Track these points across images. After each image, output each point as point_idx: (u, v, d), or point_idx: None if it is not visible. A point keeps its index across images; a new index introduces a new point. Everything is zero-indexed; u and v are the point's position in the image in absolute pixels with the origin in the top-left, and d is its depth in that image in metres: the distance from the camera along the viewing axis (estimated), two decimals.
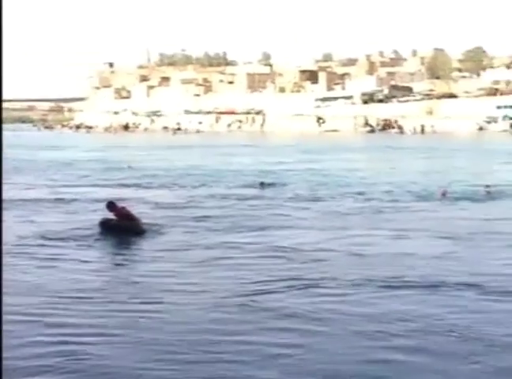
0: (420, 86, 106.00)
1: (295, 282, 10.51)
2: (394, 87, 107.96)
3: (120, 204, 15.30)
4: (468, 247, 13.40)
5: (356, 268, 11.43)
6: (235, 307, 9.21)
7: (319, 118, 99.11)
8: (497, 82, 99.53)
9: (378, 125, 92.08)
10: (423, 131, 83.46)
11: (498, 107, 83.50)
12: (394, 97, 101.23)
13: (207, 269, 11.47)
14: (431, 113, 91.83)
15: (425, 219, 17.03)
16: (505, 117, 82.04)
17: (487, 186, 21.29)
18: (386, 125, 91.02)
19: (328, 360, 7.40)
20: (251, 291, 9.97)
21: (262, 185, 24.08)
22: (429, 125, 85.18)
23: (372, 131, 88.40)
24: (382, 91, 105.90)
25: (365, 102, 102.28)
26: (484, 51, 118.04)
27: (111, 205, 14.94)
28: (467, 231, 15.01)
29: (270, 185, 24.18)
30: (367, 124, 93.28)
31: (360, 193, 22.11)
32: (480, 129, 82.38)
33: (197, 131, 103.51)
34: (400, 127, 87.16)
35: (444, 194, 20.64)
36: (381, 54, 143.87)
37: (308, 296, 9.78)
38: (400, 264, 11.83)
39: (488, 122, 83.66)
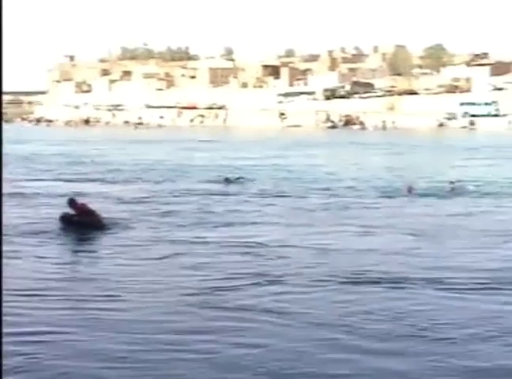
0: (382, 82, 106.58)
1: (258, 278, 10.43)
2: (356, 83, 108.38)
3: (80, 201, 15.10)
4: (432, 243, 13.35)
5: (321, 264, 11.38)
6: (197, 304, 9.07)
7: (281, 114, 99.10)
8: (457, 79, 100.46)
9: (340, 120, 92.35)
10: (384, 127, 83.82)
11: (462, 104, 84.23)
12: (356, 93, 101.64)
13: (169, 265, 11.31)
14: (392, 109, 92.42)
15: (391, 215, 16.94)
16: (465, 114, 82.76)
17: (452, 182, 21.26)
18: (348, 121, 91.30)
19: (291, 357, 7.33)
20: (214, 288, 9.85)
21: (227, 180, 23.79)
22: (390, 121, 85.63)
23: (334, 127, 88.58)
24: (343, 87, 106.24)
25: (327, 98, 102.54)
26: (444, 49, 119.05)
27: (72, 202, 14.78)
28: (432, 227, 14.98)
29: (235, 180, 23.92)
30: (328, 120, 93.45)
31: (325, 189, 21.95)
32: (440, 125, 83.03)
33: (159, 126, 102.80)
34: (361, 123, 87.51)
35: (410, 190, 20.54)
36: (343, 50, 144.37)
37: (271, 292, 9.71)
38: (364, 259, 11.81)
39: (448, 119, 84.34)
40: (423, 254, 12.27)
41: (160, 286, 9.98)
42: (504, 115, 79.61)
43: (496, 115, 79.94)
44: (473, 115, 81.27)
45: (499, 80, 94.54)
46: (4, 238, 12.67)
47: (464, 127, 78.09)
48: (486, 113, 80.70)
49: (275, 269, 11.00)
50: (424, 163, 32.46)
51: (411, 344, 7.74)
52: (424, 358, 7.31)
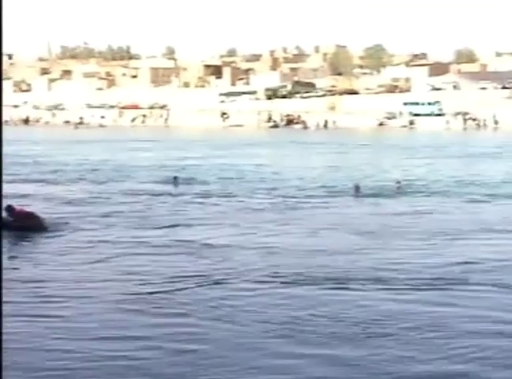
0: (323, 82, 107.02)
1: (201, 278, 10.35)
2: (297, 83, 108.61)
3: (18, 207, 14.78)
4: (378, 243, 13.40)
5: (265, 264, 11.34)
6: (135, 308, 8.94)
7: (223, 113, 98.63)
8: (396, 79, 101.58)
9: (281, 120, 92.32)
10: (326, 126, 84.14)
11: (405, 104, 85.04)
12: (297, 93, 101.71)
13: (110, 268, 11.11)
14: (333, 108, 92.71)
15: (338, 214, 16.97)
16: (410, 113, 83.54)
17: (398, 182, 21.31)
18: (290, 121, 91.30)
19: (230, 361, 7.27)
20: (155, 291, 9.71)
21: (176, 179, 23.40)
22: (332, 120, 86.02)
23: (276, 126, 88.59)
24: (285, 86, 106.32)
25: (269, 97, 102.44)
26: (384, 49, 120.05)
27: (9, 209, 14.45)
28: (378, 227, 15.04)
29: (181, 180, 23.59)
30: (270, 119, 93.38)
31: (272, 189, 21.85)
32: (381, 124, 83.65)
33: (100, 125, 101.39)
34: (303, 122, 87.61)
35: (357, 190, 20.55)
36: (284, 50, 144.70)
37: (214, 294, 9.65)
38: (309, 260, 11.79)
39: (388, 118, 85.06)
40: (369, 254, 12.31)
41: (99, 289, 9.80)
42: (443, 115, 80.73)
43: (439, 115, 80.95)
44: (417, 114, 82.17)
45: (438, 81, 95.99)
46: None
47: (404, 126, 78.90)
48: (429, 112, 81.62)
49: (219, 271, 10.91)
50: (369, 163, 32.64)
51: (354, 342, 7.75)
52: (368, 355, 7.35)
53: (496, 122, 75.72)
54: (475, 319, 8.66)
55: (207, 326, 8.33)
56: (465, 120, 78.08)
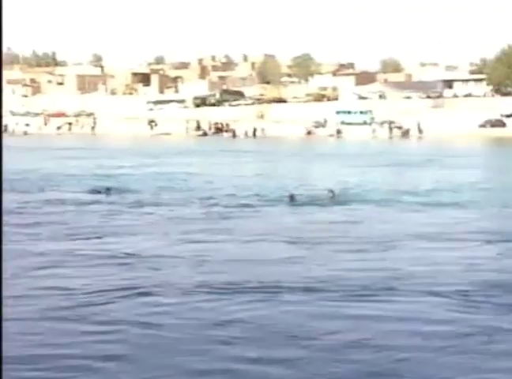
0: (251, 90, 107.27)
1: (129, 291, 10.17)
2: (226, 91, 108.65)
3: None
4: (311, 252, 13.40)
5: (196, 275, 11.22)
6: (61, 319, 8.75)
7: (151, 121, 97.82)
8: (324, 88, 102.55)
9: (210, 128, 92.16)
10: (254, 135, 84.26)
11: (338, 112, 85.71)
12: (226, 101, 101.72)
13: (34, 280, 10.80)
14: (261, 117, 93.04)
15: (271, 223, 16.88)
16: (342, 122, 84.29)
17: (331, 191, 21.32)
18: (219, 129, 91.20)
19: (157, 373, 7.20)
20: (81, 302, 9.51)
21: (108, 189, 22.89)
22: (260, 128, 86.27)
23: (205, 134, 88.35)
24: (214, 95, 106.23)
25: (197, 105, 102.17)
26: (312, 58, 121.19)
27: None
28: (312, 235, 15.03)
29: (113, 189, 23.06)
30: (199, 128, 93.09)
31: (205, 198, 21.62)
32: (309, 133, 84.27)
33: (25, 133, 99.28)
34: (232, 131, 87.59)
35: (292, 199, 20.47)
36: (213, 58, 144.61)
37: (141, 305, 9.53)
38: (240, 269, 11.73)
39: (316, 127, 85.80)
40: (301, 263, 12.28)
41: (22, 301, 9.54)
42: (369, 124, 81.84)
43: (371, 123, 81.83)
44: (349, 123, 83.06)
45: (364, 90, 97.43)
46: None
47: (332, 135, 79.65)
48: (362, 121, 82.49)
49: (147, 281, 10.75)
50: (300, 171, 32.79)
51: (285, 352, 7.75)
52: (298, 367, 7.36)
53: (421, 131, 76.97)
54: (401, 330, 8.67)
55: (132, 334, 8.26)
56: (391, 129, 79.11)
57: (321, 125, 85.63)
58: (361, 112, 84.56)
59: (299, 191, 22.59)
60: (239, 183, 26.14)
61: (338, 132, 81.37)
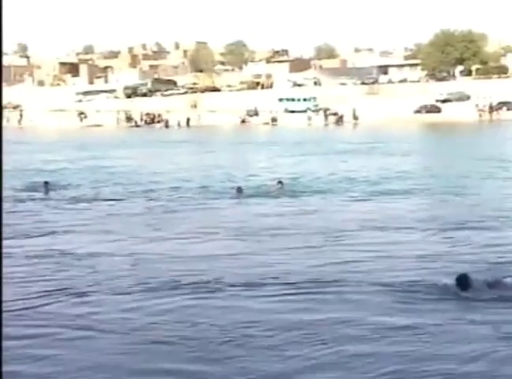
0: (184, 79, 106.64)
1: (65, 291, 10.04)
2: (158, 80, 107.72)
3: None
4: (257, 245, 13.35)
5: (133, 273, 11.09)
6: None
7: (81, 113, 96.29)
8: (258, 76, 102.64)
9: (142, 119, 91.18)
10: (188, 124, 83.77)
11: (280, 100, 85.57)
12: (158, 91, 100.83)
13: None
14: (195, 106, 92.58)
15: (217, 217, 16.71)
16: (285, 110, 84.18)
17: (279, 182, 21.12)
18: (151, 120, 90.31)
19: (92, 361, 7.34)
20: (11, 305, 9.14)
21: (46, 184, 22.18)
22: (194, 118, 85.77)
23: (137, 126, 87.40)
24: (145, 84, 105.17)
25: (128, 96, 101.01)
26: (245, 45, 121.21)
27: None
28: (259, 228, 14.92)
29: (51, 185, 22.38)
30: (130, 118, 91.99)
31: (146, 192, 21.26)
32: (243, 121, 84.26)
33: None
34: (165, 121, 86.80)
35: (239, 191, 20.23)
36: (143, 46, 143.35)
37: (74, 305, 9.45)
38: (182, 266, 11.60)
39: (250, 115, 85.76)
40: (246, 258, 12.21)
41: None
42: (315, 111, 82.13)
43: (316, 110, 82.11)
44: (292, 111, 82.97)
45: (299, 77, 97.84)
46: None
47: (267, 123, 79.69)
48: (305, 109, 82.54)
49: (84, 281, 10.59)
50: (242, 161, 32.54)
51: (222, 351, 7.75)
52: (234, 365, 7.39)
53: (356, 118, 77.64)
54: (349, 322, 8.68)
55: (69, 335, 8.20)
56: (326, 116, 79.55)
57: (254, 113, 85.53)
58: (304, 99, 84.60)
59: (245, 182, 22.43)
60: (180, 175, 25.80)
61: (273, 120, 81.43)
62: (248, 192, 20.42)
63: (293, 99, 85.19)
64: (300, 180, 23.35)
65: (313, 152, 36.28)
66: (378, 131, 56.81)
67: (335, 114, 79.78)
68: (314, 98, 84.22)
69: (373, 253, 12.32)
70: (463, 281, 9.69)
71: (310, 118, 78.94)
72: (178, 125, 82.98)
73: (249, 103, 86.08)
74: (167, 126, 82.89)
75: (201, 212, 17.51)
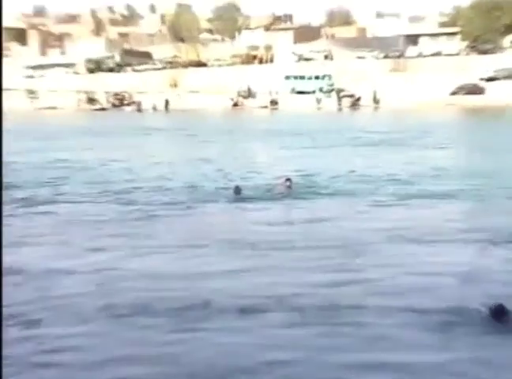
0: (161, 51, 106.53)
1: (11, 320, 10.04)
2: (128, 52, 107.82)
3: None
4: (260, 261, 13.40)
5: (100, 296, 11.25)
6: None
7: (31, 92, 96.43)
8: (254, 47, 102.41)
9: (108, 101, 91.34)
10: (167, 108, 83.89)
11: (287, 78, 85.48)
12: (129, 65, 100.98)
13: None
14: (175, 85, 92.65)
15: (208, 225, 16.90)
16: (292, 90, 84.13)
17: (288, 180, 21.11)
18: (119, 102, 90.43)
19: None
20: None
21: None
22: (174, 100, 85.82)
23: (102, 109, 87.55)
24: (112, 57, 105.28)
25: (91, 71, 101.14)
26: (238, 9, 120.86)
27: None
28: (260, 241, 14.92)
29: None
30: (93, 100, 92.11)
31: (118, 193, 21.41)
32: (235, 105, 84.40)
33: None
34: (137, 104, 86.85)
35: (237, 192, 20.34)
36: (110, 9, 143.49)
37: (27, 339, 9.63)
38: (160, 286, 11.76)
39: (244, 97, 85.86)
40: (243, 277, 12.30)
41: None
42: (329, 92, 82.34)
43: (328, 92, 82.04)
44: (301, 92, 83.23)
45: (305, 49, 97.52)
46: None
47: (265, 107, 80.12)
48: (317, 88, 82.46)
49: (31, 307, 10.82)
50: (239, 155, 32.66)
51: None
52: None
53: (377, 101, 78.33)
54: (373, 366, 8.78)
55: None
56: (340, 98, 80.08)
57: (249, 94, 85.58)
58: (317, 77, 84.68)
59: (243, 182, 22.51)
60: (160, 172, 25.95)
61: (273, 103, 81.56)
62: (247, 193, 20.46)
63: (303, 78, 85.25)
64: (311, 179, 23.39)
65: (325, 144, 36.30)
66: (405, 117, 56.94)
67: (351, 95, 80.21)
68: (329, 76, 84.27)
69: (401, 272, 12.48)
70: (498, 311, 10.02)
71: (319, 101, 79.25)
72: (154, 108, 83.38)
73: (243, 82, 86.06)
74: (139, 110, 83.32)
75: (188, 219, 17.61)
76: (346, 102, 79.31)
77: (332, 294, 11.13)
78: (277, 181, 21.76)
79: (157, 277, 12.27)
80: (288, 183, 20.93)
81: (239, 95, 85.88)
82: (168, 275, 12.44)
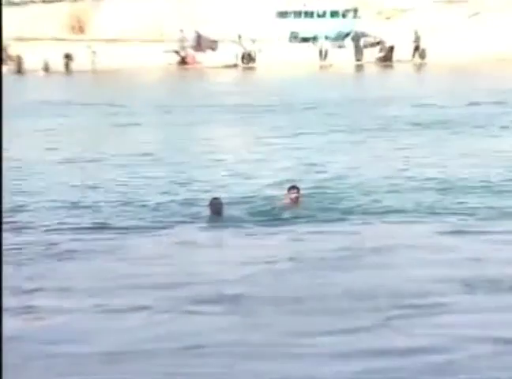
0: None
1: None
2: None
3: None
4: (250, 321, 13.69)
5: None
6: None
7: None
8: None
9: None
10: (67, 68, 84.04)
11: (282, 15, 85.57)
12: None
13: None
14: (80, 30, 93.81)
15: (169, 266, 17.15)
16: (292, 34, 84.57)
17: (293, 187, 20.92)
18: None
19: None
20: None
21: None
22: (80, 55, 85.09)
23: None
24: None
25: None
26: None
27: None
28: (251, 294, 14.97)
29: None
30: None
31: (24, 210, 21.87)
32: (183, 61, 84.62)
33: None
34: (17, 60, 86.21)
35: (215, 209, 20.11)
36: None
37: None
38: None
39: (197, 50, 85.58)
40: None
41: None
42: (315, 40, 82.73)
43: (345, 37, 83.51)
44: (305, 39, 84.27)
45: None
46: None
47: (234, 65, 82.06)
48: (334, 35, 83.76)
49: None
50: (206, 148, 32.92)
51: None
52: None
53: (422, 53, 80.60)
54: None
55: None
56: (360, 48, 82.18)
57: (211, 44, 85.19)
58: (333, 14, 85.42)
59: (223, 192, 22.45)
60: (72, 175, 26.53)
61: (247, 58, 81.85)
62: (233, 213, 20.45)
63: (311, 14, 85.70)
64: (329, 185, 23.67)
65: (351, 128, 36.88)
66: (467, 80, 59.28)
67: (378, 43, 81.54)
68: (355, 9, 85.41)
69: (472, 338, 12.50)
70: None
71: (324, 55, 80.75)
72: (46, 69, 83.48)
73: (193, 22, 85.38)
74: (20, 71, 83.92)
75: (110, 267, 17.37)
76: (369, 53, 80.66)
77: None
78: (274, 192, 22.22)
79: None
80: (294, 195, 20.73)
81: (183, 45, 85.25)
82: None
